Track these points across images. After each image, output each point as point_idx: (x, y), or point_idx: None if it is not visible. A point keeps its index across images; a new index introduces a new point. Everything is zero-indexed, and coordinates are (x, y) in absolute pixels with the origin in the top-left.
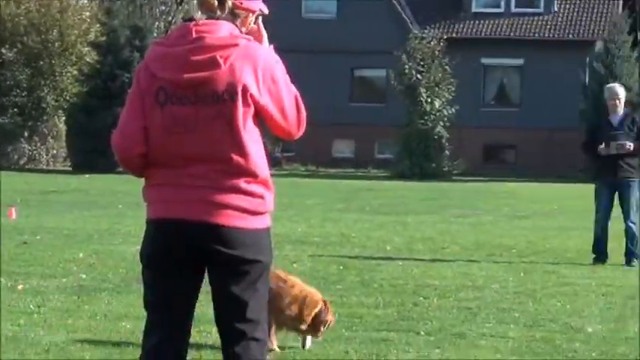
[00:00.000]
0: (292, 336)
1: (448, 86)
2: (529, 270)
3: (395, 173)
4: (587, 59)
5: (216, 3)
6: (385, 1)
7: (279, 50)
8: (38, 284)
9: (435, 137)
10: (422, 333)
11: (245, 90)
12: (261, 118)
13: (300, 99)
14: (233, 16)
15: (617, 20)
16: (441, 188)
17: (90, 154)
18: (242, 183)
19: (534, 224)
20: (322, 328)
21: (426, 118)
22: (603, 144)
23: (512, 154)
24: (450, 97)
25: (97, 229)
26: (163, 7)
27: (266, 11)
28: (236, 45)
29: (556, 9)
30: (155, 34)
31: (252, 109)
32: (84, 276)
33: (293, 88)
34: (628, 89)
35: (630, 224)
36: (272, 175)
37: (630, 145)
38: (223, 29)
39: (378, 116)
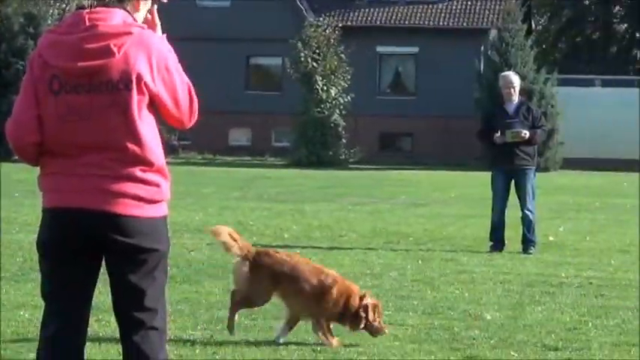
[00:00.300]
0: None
1: (344, 74)
2: (427, 258)
3: (292, 161)
4: (482, 48)
5: None
6: None
7: (173, 39)
8: None
9: (332, 125)
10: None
11: (139, 78)
12: (154, 106)
13: (192, 89)
14: (121, 0)
15: (511, 9)
16: (338, 176)
17: None
18: (137, 171)
19: (431, 212)
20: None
21: (322, 106)
22: (499, 132)
23: (409, 143)
24: (346, 86)
25: None
26: None
27: None
28: (130, 33)
29: None
30: (49, 22)
31: (146, 98)
32: None
33: (186, 77)
34: (522, 77)
35: (527, 212)
36: (168, 164)
37: (526, 133)
38: (117, 17)
39: (275, 104)
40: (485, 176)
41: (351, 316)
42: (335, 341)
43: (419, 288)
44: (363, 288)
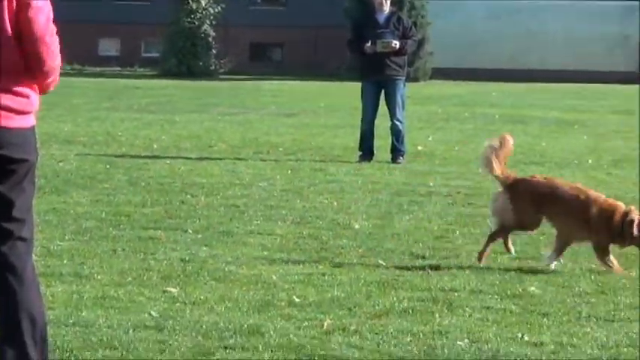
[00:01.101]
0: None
1: None
2: (296, 167)
3: (162, 72)
4: None
5: None
6: None
7: None
8: None
9: (202, 36)
10: (189, 231)
11: None
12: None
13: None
14: None
15: None
16: (208, 87)
17: None
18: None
19: (301, 122)
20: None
21: (192, 16)
22: (369, 42)
23: (279, 53)
24: None
25: None
26: None
27: None
28: None
29: None
30: None
31: (14, 8)
32: None
33: (52, 25)
34: None
35: (396, 122)
36: None
37: (396, 44)
38: None
39: (144, 14)
40: (356, 86)
41: (618, 233)
42: (617, 266)
43: (288, 198)
44: (232, 198)
